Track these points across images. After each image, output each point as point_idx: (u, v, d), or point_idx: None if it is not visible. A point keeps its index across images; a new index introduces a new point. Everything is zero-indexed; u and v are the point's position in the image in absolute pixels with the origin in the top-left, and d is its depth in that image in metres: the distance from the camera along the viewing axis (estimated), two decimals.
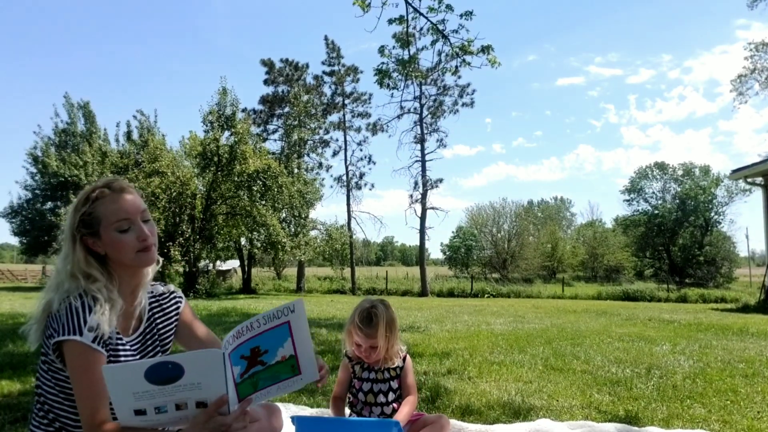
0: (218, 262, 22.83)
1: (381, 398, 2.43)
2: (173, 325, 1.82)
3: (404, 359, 2.53)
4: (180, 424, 1.43)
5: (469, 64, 7.45)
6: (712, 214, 34.46)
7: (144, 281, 1.73)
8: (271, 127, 27.90)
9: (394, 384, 2.48)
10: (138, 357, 1.67)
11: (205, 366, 1.37)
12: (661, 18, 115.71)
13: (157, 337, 1.76)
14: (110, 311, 1.54)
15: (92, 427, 1.45)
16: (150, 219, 1.69)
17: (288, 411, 2.98)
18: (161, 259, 1.78)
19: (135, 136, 25.89)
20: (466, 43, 7.31)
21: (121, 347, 1.61)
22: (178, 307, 1.84)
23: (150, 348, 1.74)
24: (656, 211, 35.71)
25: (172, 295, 1.85)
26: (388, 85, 8.63)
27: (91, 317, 1.49)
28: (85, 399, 1.46)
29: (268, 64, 27.76)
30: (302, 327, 1.51)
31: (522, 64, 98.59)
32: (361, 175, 28.11)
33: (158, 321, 1.78)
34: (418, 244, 26.97)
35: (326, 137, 28.64)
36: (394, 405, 2.45)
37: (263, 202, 18.79)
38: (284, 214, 21.01)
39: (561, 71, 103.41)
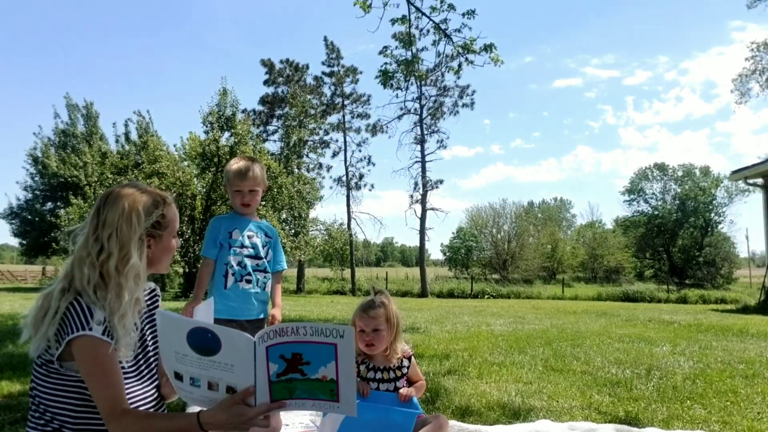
0: None
1: None
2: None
3: (410, 359, 2.55)
4: (208, 405, 1.47)
5: (471, 62, 7.46)
6: (712, 215, 34.44)
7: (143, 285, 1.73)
8: (271, 128, 27.94)
9: (400, 384, 2.48)
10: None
11: (238, 348, 1.40)
12: (657, 19, 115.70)
13: (146, 337, 1.74)
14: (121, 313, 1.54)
15: (113, 418, 1.44)
16: None
17: None
18: None
19: (134, 136, 25.88)
20: (468, 42, 7.33)
21: None
22: (156, 305, 1.80)
23: (140, 349, 1.71)
24: (656, 212, 35.68)
25: (153, 293, 1.80)
26: (392, 85, 8.66)
27: (96, 311, 1.48)
28: (103, 391, 1.44)
29: (268, 65, 27.80)
30: (349, 356, 1.46)
31: (519, 66, 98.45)
32: (361, 176, 28.17)
33: (146, 322, 1.76)
34: (418, 244, 26.97)
35: (326, 138, 28.69)
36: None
37: (263, 203, 18.80)
38: (284, 215, 21.00)
39: (558, 72, 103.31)
